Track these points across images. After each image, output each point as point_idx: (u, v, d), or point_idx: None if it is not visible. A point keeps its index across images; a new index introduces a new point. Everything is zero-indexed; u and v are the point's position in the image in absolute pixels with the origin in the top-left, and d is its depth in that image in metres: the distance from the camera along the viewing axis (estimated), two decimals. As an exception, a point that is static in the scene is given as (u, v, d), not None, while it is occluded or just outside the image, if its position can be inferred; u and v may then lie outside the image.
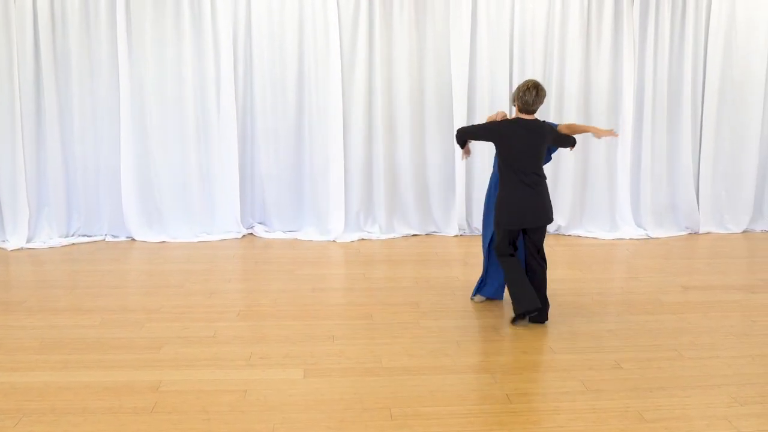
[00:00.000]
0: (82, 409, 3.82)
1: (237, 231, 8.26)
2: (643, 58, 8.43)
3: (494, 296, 5.81)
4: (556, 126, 5.35)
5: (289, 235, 8.29)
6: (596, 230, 8.53)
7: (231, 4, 7.98)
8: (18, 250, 7.66)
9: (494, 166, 5.52)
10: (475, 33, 8.24)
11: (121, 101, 7.88)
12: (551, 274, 6.60)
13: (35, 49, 7.77)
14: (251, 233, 8.41)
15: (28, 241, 7.83)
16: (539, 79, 8.27)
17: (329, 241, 8.12)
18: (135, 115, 7.99)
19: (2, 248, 7.72)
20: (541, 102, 5.13)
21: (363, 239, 8.22)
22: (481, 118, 8.28)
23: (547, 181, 5.28)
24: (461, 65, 8.20)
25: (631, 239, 8.29)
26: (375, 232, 8.38)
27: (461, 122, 8.22)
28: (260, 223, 8.52)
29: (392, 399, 3.96)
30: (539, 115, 6.53)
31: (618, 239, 8.29)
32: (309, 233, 8.27)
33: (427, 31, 8.22)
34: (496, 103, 8.29)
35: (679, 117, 8.54)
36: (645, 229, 8.53)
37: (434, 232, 8.55)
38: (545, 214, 5.10)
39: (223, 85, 8.02)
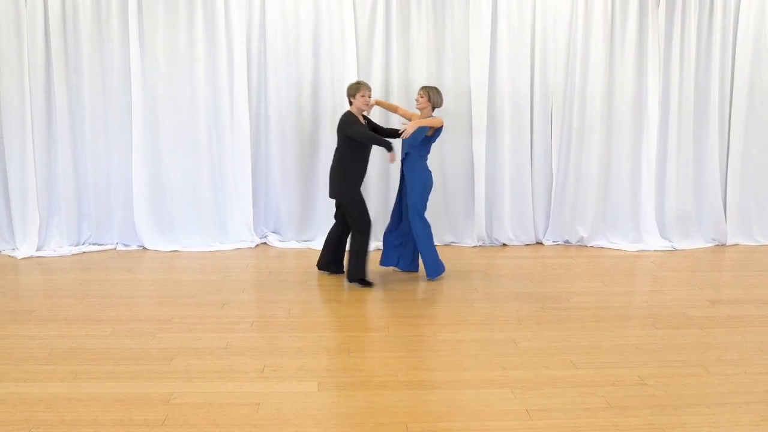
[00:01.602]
0: (92, 420, 3.84)
1: (250, 240, 8.29)
2: (668, 62, 8.39)
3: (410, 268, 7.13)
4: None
5: (303, 245, 8.31)
6: (620, 241, 8.49)
7: (245, 10, 8.03)
8: (28, 258, 7.73)
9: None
10: (495, 36, 8.23)
11: (133, 109, 7.95)
12: (572, 286, 6.59)
13: (46, 55, 7.86)
14: (265, 243, 8.44)
15: (38, 250, 7.90)
16: (561, 83, 8.27)
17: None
18: (147, 123, 8.05)
19: (12, 256, 7.79)
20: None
21: (379, 249, 8.23)
22: (500, 125, 8.29)
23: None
24: (481, 70, 8.19)
25: (655, 251, 8.25)
26: (392, 242, 8.39)
27: (481, 128, 8.22)
28: (274, 232, 8.54)
29: (408, 414, 3.96)
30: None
31: (642, 251, 8.24)
32: (323, 243, 8.29)
33: (446, 34, 8.22)
34: (517, 109, 8.29)
35: (705, 123, 8.50)
36: (670, 241, 8.48)
37: (453, 242, 8.54)
38: (332, 189, 6.72)
39: (236, 92, 8.07)
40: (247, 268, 7.31)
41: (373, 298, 6.26)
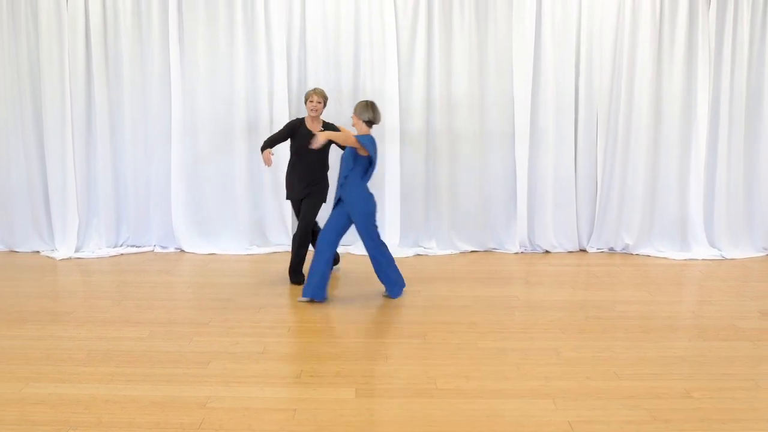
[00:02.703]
0: (128, 423, 3.90)
1: (288, 244, 8.34)
2: (719, 64, 8.26)
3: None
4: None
5: (341, 249, 8.34)
6: (666, 249, 8.38)
7: (285, 15, 8.10)
8: (66, 259, 7.87)
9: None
10: (539, 39, 8.19)
11: (172, 112, 8.07)
12: (617, 295, 6.54)
13: (87, 59, 8.03)
14: (303, 246, 8.48)
15: (76, 251, 8.05)
16: (607, 88, 8.19)
17: (383, 255, 8.13)
18: (186, 126, 8.16)
19: (51, 257, 7.94)
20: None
21: (419, 255, 8.23)
22: (544, 129, 8.24)
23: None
24: (524, 74, 8.16)
25: (703, 260, 8.13)
26: (432, 247, 8.39)
27: (524, 132, 8.19)
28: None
29: (447, 423, 3.95)
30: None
31: (690, 260, 8.13)
32: (362, 248, 8.31)
33: (488, 37, 8.20)
34: (561, 113, 8.24)
35: (757, 127, 8.36)
36: (719, 249, 8.35)
37: (494, 248, 8.51)
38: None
39: (276, 97, 8.13)
40: (284, 272, 7.35)
41: (412, 304, 6.26)
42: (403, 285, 6.52)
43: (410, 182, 8.34)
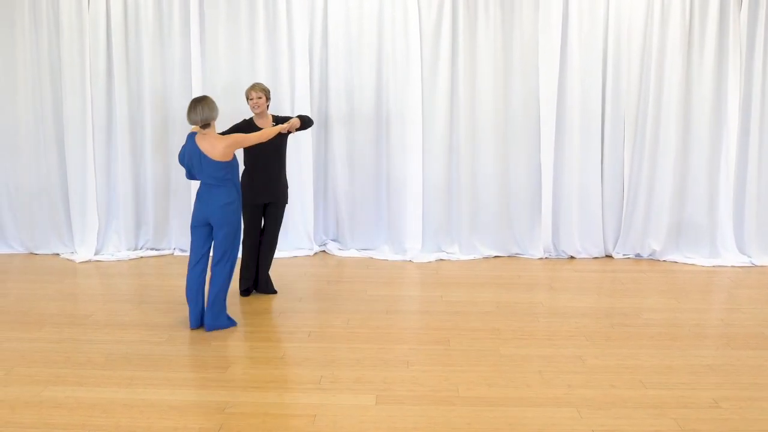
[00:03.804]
0: (147, 427, 3.93)
1: (309, 248, 8.37)
2: (750, 66, 8.15)
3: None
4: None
5: (363, 254, 8.35)
6: (695, 256, 8.30)
7: (307, 13, 8.12)
8: (86, 262, 7.94)
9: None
10: (566, 39, 8.14)
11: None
12: (643, 302, 6.50)
13: (107, 60, 8.11)
14: (324, 251, 8.50)
15: (96, 254, 8.11)
16: (635, 90, 8.14)
17: (405, 260, 8.14)
18: (207, 126, 8.19)
19: (70, 260, 8.02)
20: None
21: (441, 260, 8.22)
22: (570, 132, 8.19)
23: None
24: (550, 75, 8.12)
25: (732, 267, 8.05)
26: (454, 252, 8.37)
27: (549, 135, 8.14)
28: (333, 240, 8.61)
29: (468, 430, 3.95)
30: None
31: (718, 266, 8.06)
32: (384, 252, 8.31)
33: (514, 38, 8.17)
34: (587, 115, 8.19)
35: (790, 131, 8.27)
36: (749, 256, 8.27)
37: (518, 254, 8.48)
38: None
39: (297, 97, 8.15)
40: (305, 277, 7.37)
41: (434, 310, 6.25)
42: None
43: (432, 186, 8.33)
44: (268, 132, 5.88)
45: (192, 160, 5.61)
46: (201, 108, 5.46)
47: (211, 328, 5.63)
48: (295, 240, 8.42)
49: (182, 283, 7.05)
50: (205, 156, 5.53)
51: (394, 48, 8.16)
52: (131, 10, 8.06)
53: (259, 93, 6.39)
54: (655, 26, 8.05)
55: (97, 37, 8.02)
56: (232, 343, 5.33)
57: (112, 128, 8.22)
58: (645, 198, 8.27)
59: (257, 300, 6.50)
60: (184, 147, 5.70)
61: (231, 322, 5.76)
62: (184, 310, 6.12)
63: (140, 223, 8.42)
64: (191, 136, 5.66)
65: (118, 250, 8.25)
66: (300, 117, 6.42)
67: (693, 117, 8.20)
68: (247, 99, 6.45)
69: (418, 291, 6.90)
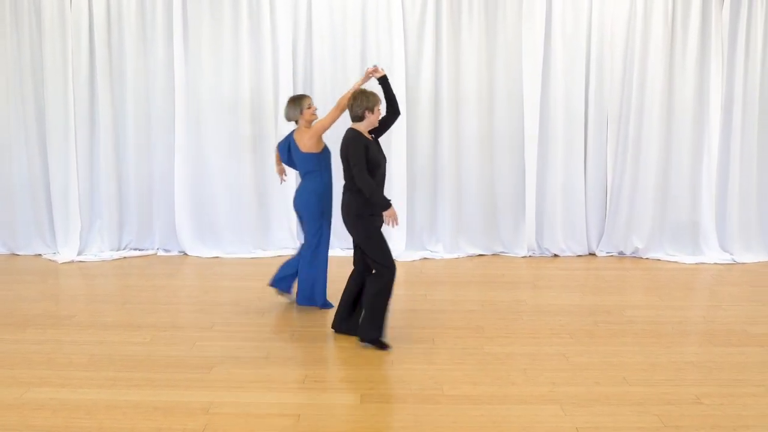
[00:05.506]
0: (131, 428, 3.91)
1: (293, 247, 8.36)
2: (732, 66, 8.22)
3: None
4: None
5: (347, 253, 8.34)
6: (677, 253, 8.35)
7: (291, 11, 8.12)
8: (69, 262, 7.90)
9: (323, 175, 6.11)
10: (549, 39, 8.18)
11: (176, 113, 8.09)
12: (626, 300, 6.53)
13: (90, 60, 8.08)
14: (307, 250, 8.49)
15: (79, 254, 8.07)
16: (617, 90, 8.19)
17: (389, 259, 8.13)
18: (190, 128, 8.18)
19: (53, 260, 7.97)
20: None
21: (426, 258, 8.24)
22: (553, 131, 8.22)
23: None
24: (534, 75, 8.15)
25: (715, 264, 8.11)
26: (438, 251, 8.39)
27: (533, 135, 8.16)
28: (317, 239, 8.59)
29: (453, 429, 3.96)
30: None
31: (701, 263, 8.11)
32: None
33: (498, 38, 8.20)
34: (571, 115, 8.22)
35: (771, 129, 8.34)
36: (731, 253, 8.33)
37: (502, 252, 8.50)
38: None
39: (281, 97, 8.14)
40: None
41: (418, 308, 6.26)
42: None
43: (416, 184, 8.34)
44: (341, 103, 5.96)
45: (290, 153, 6.16)
46: (286, 107, 6.06)
47: (301, 303, 6.24)
48: (278, 239, 8.40)
49: (166, 283, 7.03)
50: (296, 148, 6.02)
51: (379, 48, 8.17)
52: (114, 10, 8.02)
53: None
54: (638, 27, 8.10)
55: (80, 37, 7.98)
56: (216, 343, 5.32)
57: (95, 129, 8.18)
58: (628, 196, 8.31)
59: (244, 299, 6.48)
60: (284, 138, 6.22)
61: (326, 304, 6.23)
62: (167, 311, 6.10)
63: (123, 224, 8.39)
64: (291, 133, 6.16)
65: (101, 251, 8.21)
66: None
67: (675, 116, 8.25)
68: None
69: (403, 290, 6.90)
